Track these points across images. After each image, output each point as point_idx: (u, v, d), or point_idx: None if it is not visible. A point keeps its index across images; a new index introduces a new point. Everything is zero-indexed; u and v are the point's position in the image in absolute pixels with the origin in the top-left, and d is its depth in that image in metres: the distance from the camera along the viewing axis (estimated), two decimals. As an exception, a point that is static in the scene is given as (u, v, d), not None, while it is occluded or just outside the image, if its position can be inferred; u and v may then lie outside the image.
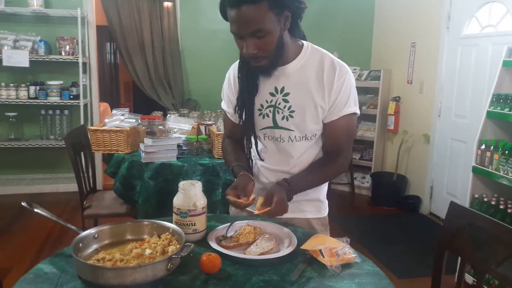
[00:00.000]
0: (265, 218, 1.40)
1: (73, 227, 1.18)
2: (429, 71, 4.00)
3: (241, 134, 1.51)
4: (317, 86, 1.31)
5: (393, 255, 3.12)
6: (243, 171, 1.35)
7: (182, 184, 1.26)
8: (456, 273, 1.37)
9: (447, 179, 3.80)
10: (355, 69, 4.70)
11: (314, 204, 1.46)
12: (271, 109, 1.36)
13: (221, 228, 1.29)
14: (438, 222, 3.81)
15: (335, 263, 1.09)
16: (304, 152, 1.40)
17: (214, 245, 1.17)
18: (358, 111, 1.36)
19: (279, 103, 1.34)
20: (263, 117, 1.38)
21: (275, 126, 1.37)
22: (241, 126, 1.44)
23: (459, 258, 1.32)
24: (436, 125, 3.93)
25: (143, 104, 5.62)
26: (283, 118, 1.35)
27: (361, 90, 4.81)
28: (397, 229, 3.75)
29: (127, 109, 2.89)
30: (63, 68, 4.23)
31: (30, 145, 4.10)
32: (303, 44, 1.35)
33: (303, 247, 1.17)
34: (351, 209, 4.24)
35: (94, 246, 1.14)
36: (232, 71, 1.45)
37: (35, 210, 1.19)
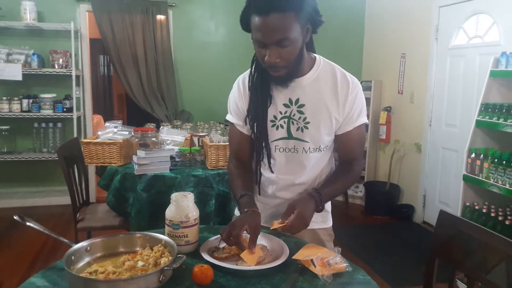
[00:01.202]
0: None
1: (65, 240, 1.18)
2: (419, 81, 4.06)
3: (249, 149, 1.46)
4: (332, 98, 1.34)
5: (386, 264, 3.13)
6: (254, 208, 1.28)
7: (174, 195, 1.27)
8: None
9: (439, 187, 3.83)
10: (347, 80, 4.75)
11: (321, 215, 1.46)
12: (286, 120, 1.36)
13: (214, 239, 1.29)
14: (432, 230, 3.83)
15: (326, 273, 1.10)
16: (314, 163, 1.41)
17: (206, 256, 1.17)
18: (367, 121, 1.42)
19: (294, 115, 1.35)
20: (277, 129, 1.37)
21: (290, 137, 1.37)
22: (250, 138, 1.42)
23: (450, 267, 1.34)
24: (427, 134, 3.97)
25: (137, 116, 5.61)
26: (297, 129, 1.36)
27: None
28: (390, 238, 3.76)
29: (120, 122, 2.90)
30: (56, 81, 4.24)
31: (23, 158, 4.08)
32: (315, 57, 1.38)
33: (295, 257, 1.17)
34: (344, 219, 4.24)
35: (87, 259, 1.14)
36: (242, 81, 1.42)
37: (28, 223, 1.19)
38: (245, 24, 1.23)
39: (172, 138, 2.68)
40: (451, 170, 3.64)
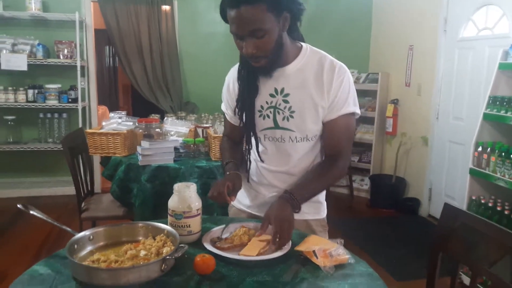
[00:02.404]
0: (259, 220, 1.40)
1: (68, 229, 1.18)
2: (427, 74, 4.02)
3: (239, 136, 1.52)
4: (316, 86, 1.32)
5: (391, 258, 3.12)
6: (236, 171, 1.39)
7: (176, 186, 1.26)
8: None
9: (446, 181, 3.81)
10: (353, 72, 4.71)
11: (313, 206, 1.46)
12: (272, 110, 1.36)
13: (216, 230, 1.29)
14: (437, 224, 3.80)
15: (328, 264, 1.09)
16: (304, 152, 1.40)
17: (208, 246, 1.17)
18: (358, 111, 1.37)
19: (279, 104, 1.35)
20: (264, 118, 1.38)
21: (276, 126, 1.37)
22: (241, 128, 1.45)
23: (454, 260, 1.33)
24: (434, 127, 3.94)
25: (142, 107, 5.62)
26: (283, 119, 1.36)
27: (359, 93, 4.73)
28: (396, 231, 3.75)
29: (124, 112, 2.90)
30: (61, 72, 4.24)
31: (28, 148, 4.10)
32: (302, 46, 1.37)
33: (297, 248, 1.17)
34: (350, 212, 4.24)
35: (89, 248, 1.15)
36: (232, 74, 1.46)
37: (31, 212, 1.20)
38: (224, 16, 1.25)
39: (176, 129, 2.68)
40: (458, 164, 3.61)
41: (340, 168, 1.37)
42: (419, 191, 4.15)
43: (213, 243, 1.20)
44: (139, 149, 2.38)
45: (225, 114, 1.54)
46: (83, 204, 2.62)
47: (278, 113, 1.36)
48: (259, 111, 1.38)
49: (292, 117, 1.35)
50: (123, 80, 7.60)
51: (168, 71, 4.50)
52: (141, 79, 4.49)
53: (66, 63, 4.11)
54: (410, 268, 2.98)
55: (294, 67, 1.34)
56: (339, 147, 1.37)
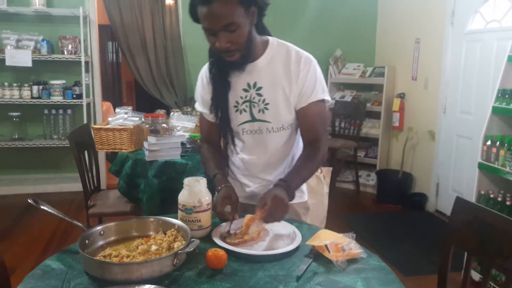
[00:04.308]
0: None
1: (79, 224, 1.18)
2: (434, 67, 3.98)
3: (218, 133, 1.56)
4: (286, 77, 1.38)
5: (398, 253, 3.11)
6: (226, 183, 1.38)
7: (187, 180, 1.26)
8: (463, 269, 1.35)
9: (453, 176, 3.78)
10: (359, 66, 4.68)
11: (298, 190, 1.50)
12: (248, 104, 1.42)
13: (225, 225, 1.29)
14: (444, 219, 3.79)
15: (340, 258, 1.09)
16: (282, 142, 1.46)
17: (219, 241, 1.16)
18: (327, 98, 1.42)
19: (254, 98, 1.41)
20: (240, 113, 1.43)
21: (253, 119, 1.43)
22: (217, 125, 1.49)
23: (465, 254, 1.31)
24: (441, 121, 3.91)
25: (146, 103, 5.62)
26: (259, 111, 1.41)
27: (365, 87, 4.81)
28: (402, 227, 3.73)
29: (130, 108, 2.89)
30: (65, 68, 4.23)
31: (33, 144, 4.10)
32: (268, 39, 1.42)
33: (308, 242, 1.16)
34: (356, 207, 4.22)
35: (100, 243, 1.15)
36: (204, 72, 1.50)
37: (42, 207, 1.19)
38: (194, 16, 1.28)
39: (183, 124, 2.67)
40: (465, 158, 3.58)
41: (323, 153, 1.43)
42: (426, 186, 4.12)
43: (223, 238, 1.20)
44: (146, 144, 2.37)
45: (202, 114, 1.55)
46: (89, 201, 2.62)
47: (254, 106, 1.42)
48: (235, 106, 1.43)
49: (267, 109, 1.41)
50: (127, 76, 7.61)
51: (172, 66, 4.48)
52: (145, 75, 4.48)
53: (70, 59, 4.10)
54: (418, 264, 2.96)
55: (264, 61, 1.39)
56: (316, 133, 1.42)
